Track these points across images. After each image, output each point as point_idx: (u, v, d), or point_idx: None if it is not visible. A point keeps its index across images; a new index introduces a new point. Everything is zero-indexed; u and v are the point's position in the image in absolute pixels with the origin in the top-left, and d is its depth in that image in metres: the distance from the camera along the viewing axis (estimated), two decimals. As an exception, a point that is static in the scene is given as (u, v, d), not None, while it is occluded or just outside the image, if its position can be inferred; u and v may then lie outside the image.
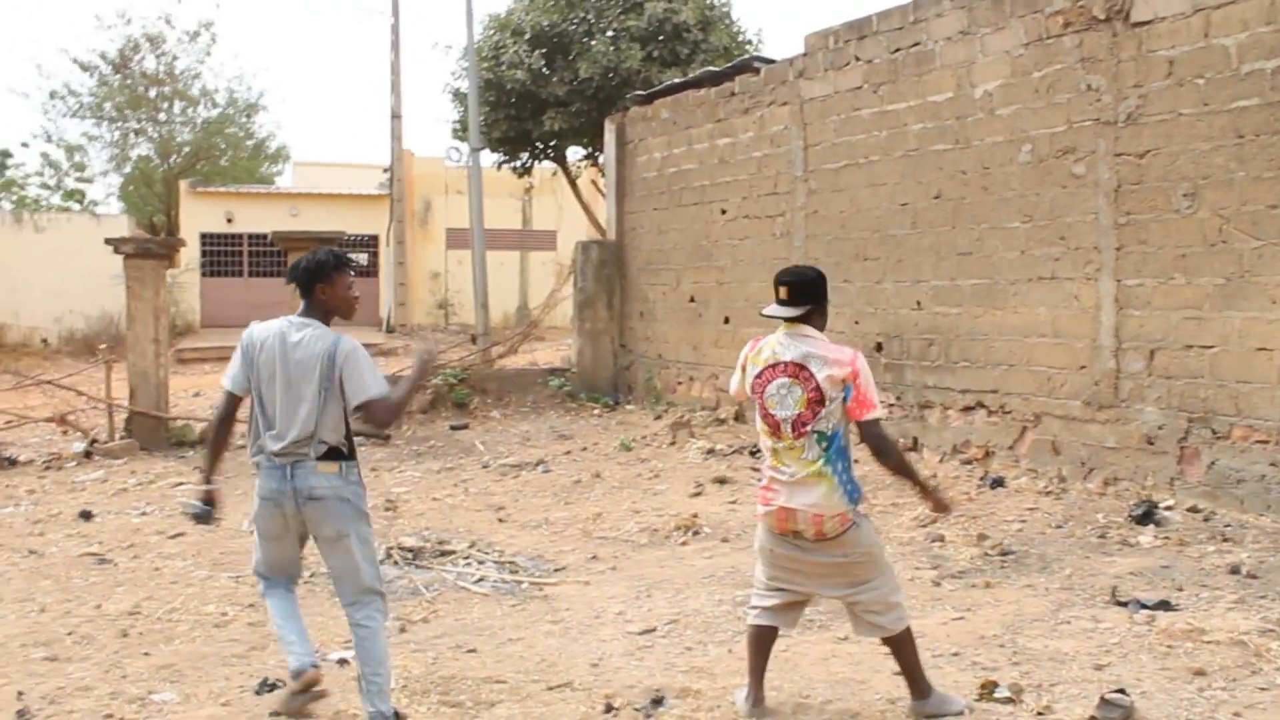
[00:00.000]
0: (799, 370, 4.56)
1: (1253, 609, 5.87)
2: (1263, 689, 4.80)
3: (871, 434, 4.60)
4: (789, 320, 4.67)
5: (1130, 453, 8.80)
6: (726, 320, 13.66)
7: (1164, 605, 5.98)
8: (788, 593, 4.76)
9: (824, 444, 4.55)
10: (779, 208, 12.70)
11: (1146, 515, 7.88)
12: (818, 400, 4.52)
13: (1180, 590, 6.33)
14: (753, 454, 11.38)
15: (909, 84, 10.89)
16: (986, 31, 10.08)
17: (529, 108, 19.39)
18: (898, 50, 11.01)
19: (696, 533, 8.23)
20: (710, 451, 11.50)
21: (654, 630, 5.98)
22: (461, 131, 20.87)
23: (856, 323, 11.59)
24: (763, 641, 4.84)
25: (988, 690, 4.84)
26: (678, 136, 14.69)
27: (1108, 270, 9.00)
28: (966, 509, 8.47)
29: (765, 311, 4.75)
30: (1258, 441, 8.03)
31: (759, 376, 4.68)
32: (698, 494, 9.71)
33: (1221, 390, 8.24)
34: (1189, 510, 8.07)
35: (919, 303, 10.79)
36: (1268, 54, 7.95)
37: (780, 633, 4.91)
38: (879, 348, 11.32)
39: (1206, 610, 5.89)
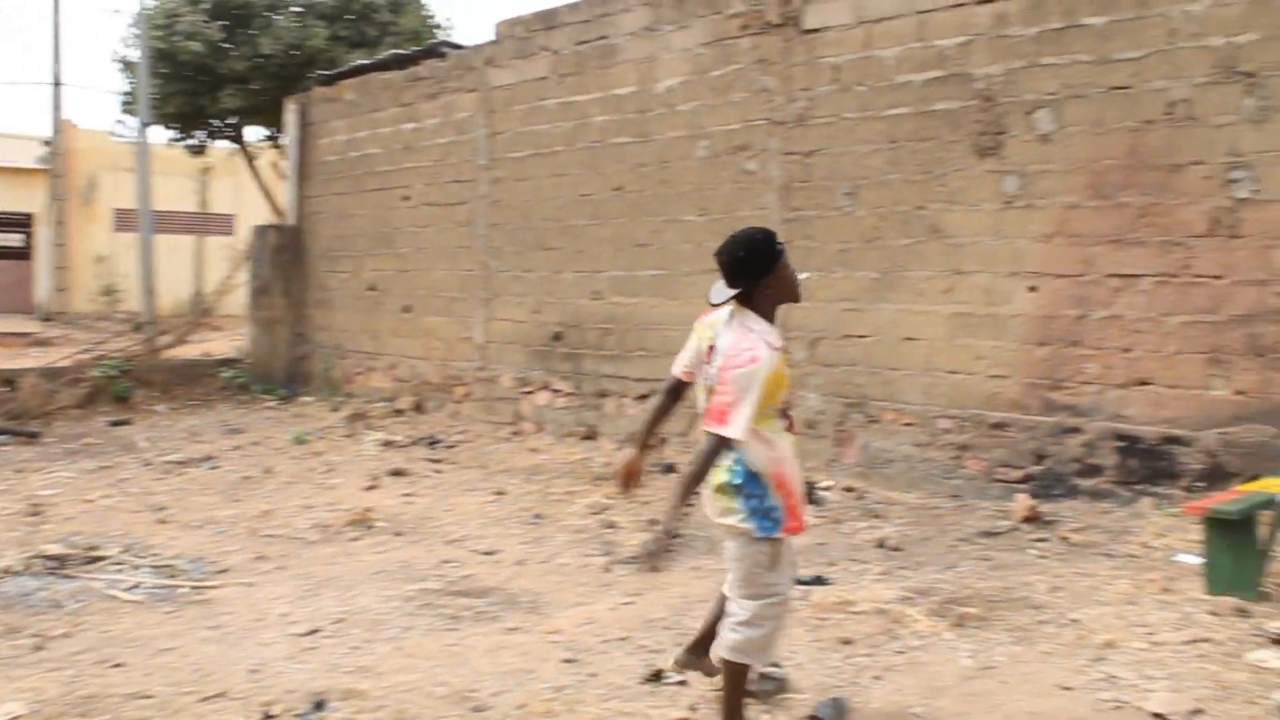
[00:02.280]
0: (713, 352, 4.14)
1: (895, 579, 6.27)
2: (900, 653, 5.12)
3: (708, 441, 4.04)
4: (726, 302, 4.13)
5: (794, 437, 9.24)
6: (407, 309, 13.39)
7: (818, 580, 6.29)
8: None
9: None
10: (462, 195, 12.56)
11: (807, 496, 8.27)
12: (720, 387, 4.03)
13: (833, 565, 6.68)
14: (430, 445, 11.22)
15: (594, 76, 11.01)
16: (669, 29, 10.32)
17: (205, 82, 18.36)
18: (584, 42, 11.11)
19: (370, 527, 8.00)
20: (388, 443, 11.25)
21: (319, 630, 5.73)
22: (131, 104, 19.48)
23: (537, 312, 11.63)
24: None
25: (656, 678, 4.89)
26: (362, 119, 14.27)
27: (774, 263, 9.41)
28: (639, 495, 8.64)
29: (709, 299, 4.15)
30: (905, 424, 8.62)
31: (705, 354, 4.22)
32: (373, 487, 9.45)
33: (875, 377, 8.79)
34: (845, 490, 8.57)
35: (597, 293, 10.95)
36: (918, 67, 8.53)
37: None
38: (558, 337, 11.40)
39: (855, 583, 6.24)
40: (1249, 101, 7.04)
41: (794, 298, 4.25)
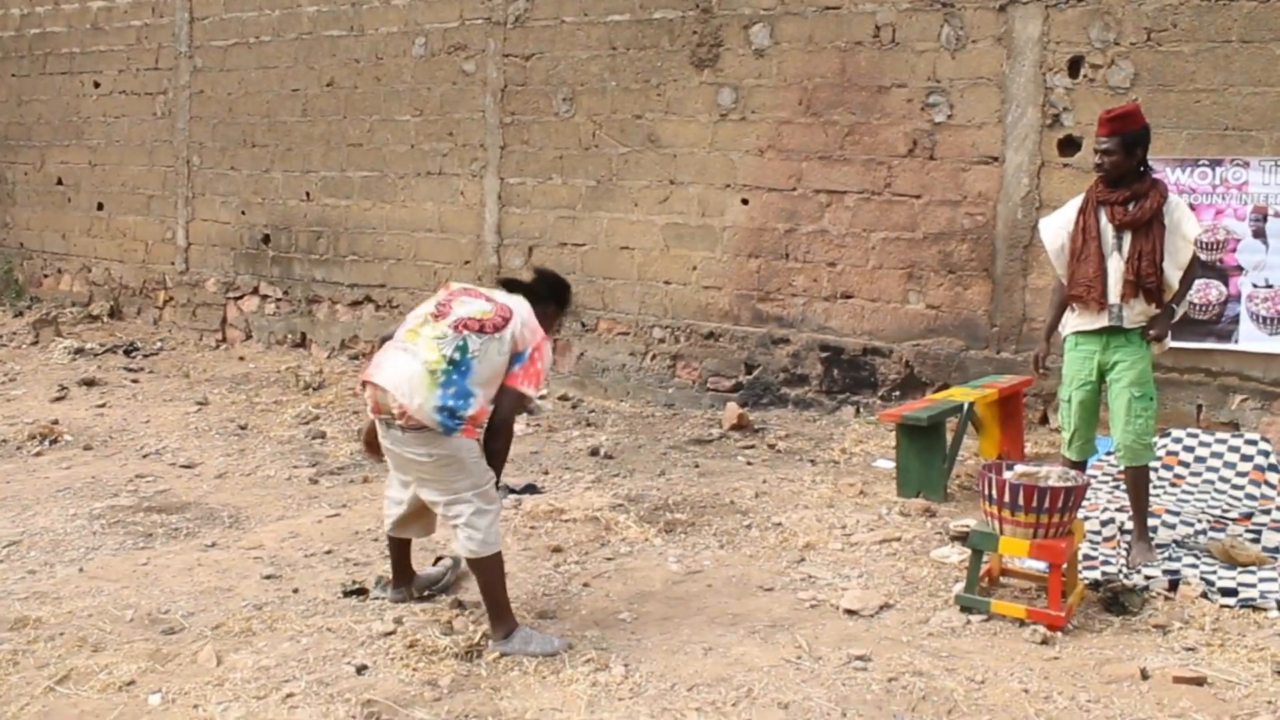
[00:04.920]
0: (501, 310, 4.31)
1: (607, 487, 6.34)
2: (609, 559, 5.18)
3: (507, 404, 4.28)
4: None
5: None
6: (100, 207, 12.38)
7: (530, 489, 6.28)
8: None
9: (459, 354, 4.14)
10: (161, 84, 11.65)
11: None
12: (496, 328, 4.22)
13: (546, 474, 6.68)
14: (127, 353, 10.51)
15: (302, -37, 10.37)
16: (382, -84, 9.82)
17: None
18: (290, -75, 10.43)
19: (55, 441, 7.40)
20: (79, 351, 10.44)
21: (-10, 554, 5.26)
22: None
23: (243, 213, 11.00)
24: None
25: (361, 593, 4.74)
26: (42, -6, 12.94)
27: (492, 168, 9.24)
28: (350, 404, 8.39)
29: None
30: (620, 333, 8.70)
31: (454, 291, 4.43)
32: (61, 398, 8.76)
33: (591, 286, 8.81)
34: (560, 399, 8.59)
35: (308, 194, 10.45)
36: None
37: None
38: (266, 239, 10.84)
39: (567, 491, 6.27)
40: (946, 30, 7.36)
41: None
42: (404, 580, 4.67)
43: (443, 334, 4.16)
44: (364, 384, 4.28)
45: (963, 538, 5.09)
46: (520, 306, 4.33)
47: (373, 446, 4.52)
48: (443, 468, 4.15)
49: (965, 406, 6.23)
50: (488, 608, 4.23)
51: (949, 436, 6.21)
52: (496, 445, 4.29)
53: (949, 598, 4.60)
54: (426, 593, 4.70)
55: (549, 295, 4.55)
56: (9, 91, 13.37)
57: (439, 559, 4.96)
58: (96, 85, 12.34)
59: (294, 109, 10.51)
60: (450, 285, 4.50)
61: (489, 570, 4.20)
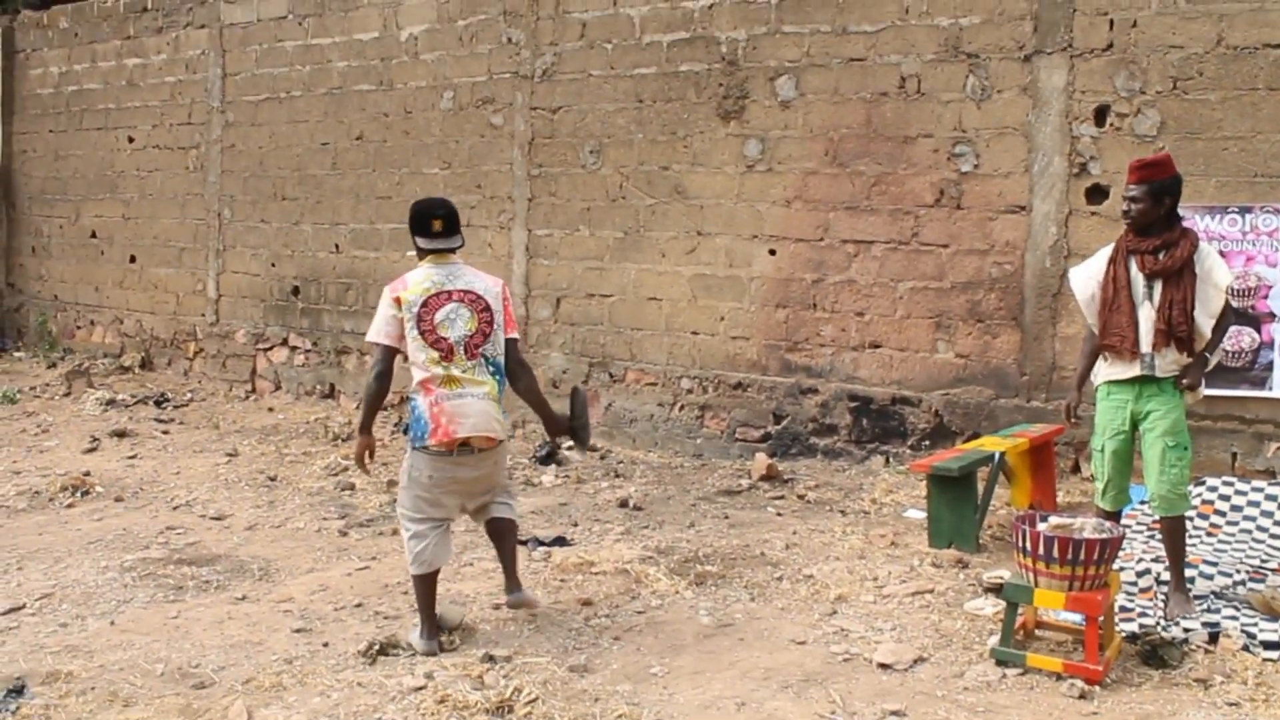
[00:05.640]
0: (462, 296, 4.79)
1: (636, 539, 6.31)
2: (640, 612, 5.15)
3: (515, 351, 4.97)
4: (444, 251, 4.86)
5: (540, 396, 9.19)
6: (133, 259, 12.54)
7: (560, 541, 6.26)
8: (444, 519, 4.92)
9: (491, 366, 4.83)
10: (194, 139, 11.83)
11: (549, 456, 8.27)
12: (488, 323, 4.81)
13: (575, 526, 6.67)
14: (158, 404, 10.58)
15: (335, 19, 10.55)
16: (412, -27, 9.98)
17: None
18: (322, -18, 10.62)
19: (87, 493, 7.45)
20: (111, 402, 10.52)
21: (22, 608, 5.26)
22: None
23: (273, 265, 11.12)
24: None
25: (384, 651, 4.71)
26: (80, 51, 13.20)
27: (520, 220, 9.31)
28: (379, 456, 8.40)
29: (429, 246, 4.84)
30: (648, 384, 8.70)
31: (424, 306, 4.74)
32: (93, 449, 8.82)
33: (619, 336, 8.83)
34: (588, 450, 8.56)
35: (337, 246, 10.55)
36: (665, 28, 8.55)
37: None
38: (296, 291, 10.94)
39: (597, 543, 6.25)
40: (971, 80, 7.39)
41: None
42: (513, 579, 5.09)
43: (471, 366, 4.76)
44: (449, 444, 4.72)
45: (997, 589, 5.04)
46: (474, 276, 4.90)
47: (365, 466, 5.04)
48: (503, 461, 5.02)
49: (996, 456, 6.19)
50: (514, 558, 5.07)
51: (980, 486, 6.16)
52: (530, 380, 5.08)
53: (984, 651, 4.54)
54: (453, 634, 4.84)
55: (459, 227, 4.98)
56: (46, 147, 13.61)
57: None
58: (131, 140, 12.54)
59: (324, 162, 10.63)
60: (401, 298, 4.77)
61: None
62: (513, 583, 5.04)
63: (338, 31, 10.52)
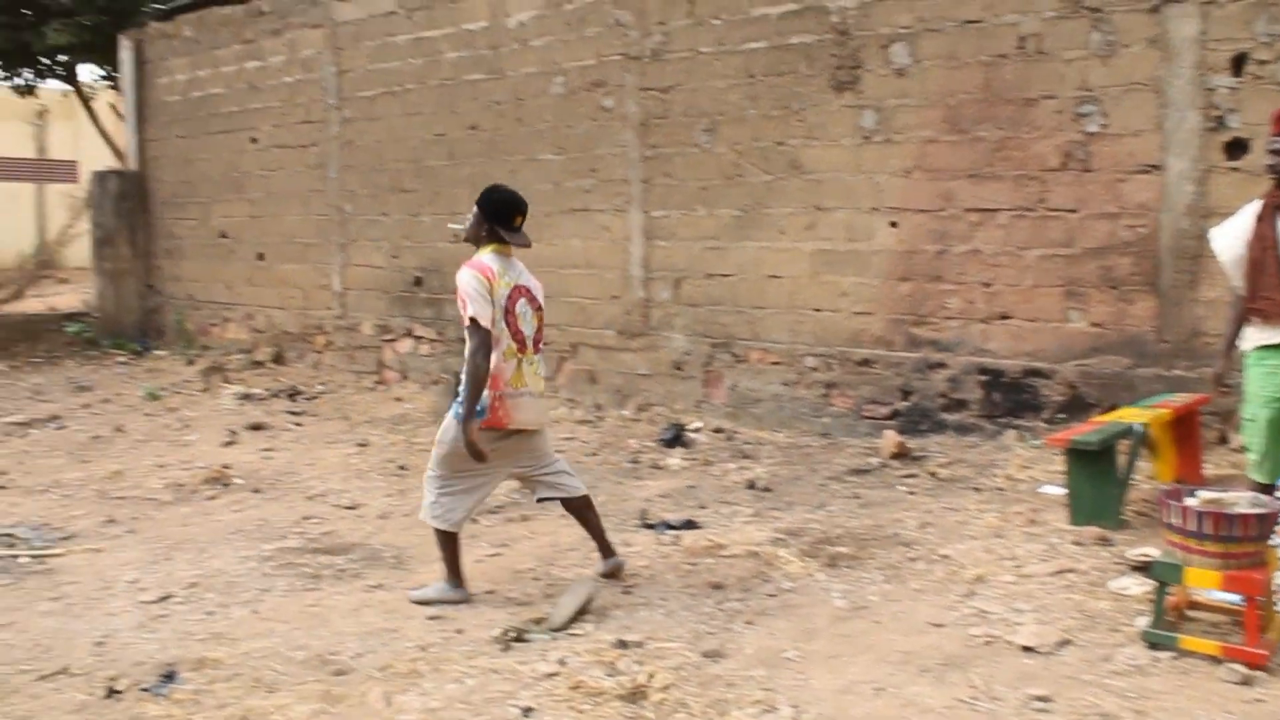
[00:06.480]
0: (527, 292, 5.04)
1: (766, 521, 6.25)
2: (771, 595, 5.08)
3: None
4: (507, 246, 5.08)
5: (661, 379, 9.18)
6: (261, 257, 12.88)
7: (689, 524, 6.23)
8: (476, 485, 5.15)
9: (543, 363, 5.17)
10: (313, 136, 12.08)
11: (676, 438, 8.24)
12: (542, 321, 5.12)
13: (704, 508, 6.63)
14: (290, 397, 10.85)
15: (444, 11, 10.64)
16: (519, -40, 10.01)
17: (28, 15, 17.16)
18: (432, -25, 10.72)
19: (227, 485, 7.67)
20: (246, 397, 10.83)
21: (171, 597, 5.44)
22: (-57, 40, 18.13)
23: (395, 257, 11.30)
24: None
25: (518, 639, 4.74)
26: (203, 57, 13.59)
27: (636, 202, 9.28)
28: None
29: (512, 239, 5.04)
30: (772, 363, 8.60)
31: (510, 297, 4.94)
32: (231, 443, 9.08)
33: (740, 316, 8.75)
34: (714, 431, 8.53)
35: (456, 235, 10.65)
36: (773, 1, 8.40)
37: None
38: (418, 282, 11.10)
39: (726, 525, 6.20)
40: (1095, 36, 7.11)
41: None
42: (605, 548, 5.41)
43: (536, 360, 5.08)
44: (500, 428, 4.99)
45: (1144, 568, 4.84)
46: (528, 273, 5.15)
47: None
48: (546, 434, 5.31)
49: (1138, 428, 5.95)
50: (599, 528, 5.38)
51: (1121, 460, 5.94)
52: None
53: (1133, 633, 4.37)
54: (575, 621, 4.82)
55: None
56: (176, 152, 14.05)
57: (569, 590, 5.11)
58: (254, 141, 12.87)
59: (439, 153, 10.75)
60: (495, 284, 4.91)
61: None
62: (607, 550, 5.38)
63: (447, 23, 10.61)
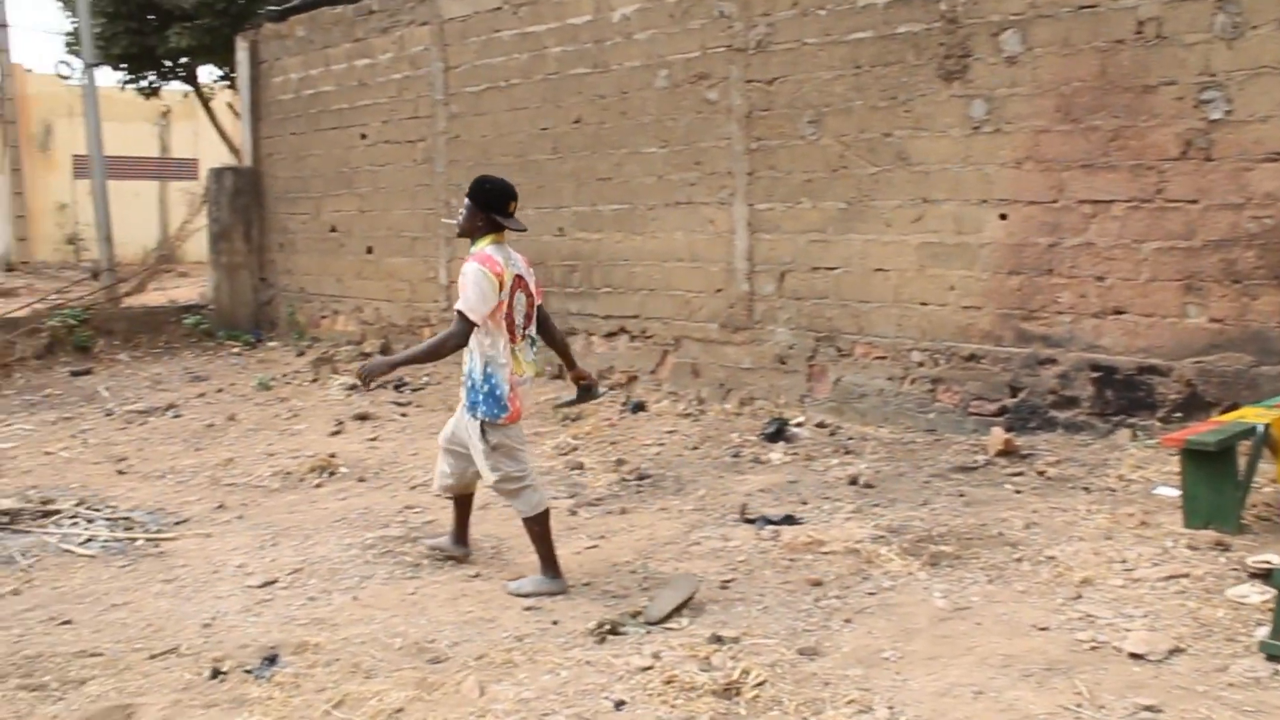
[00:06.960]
0: (523, 283, 5.18)
1: (867, 517, 6.14)
2: (871, 593, 4.99)
3: (544, 311, 5.47)
4: (503, 234, 5.20)
5: (765, 372, 9.09)
6: (370, 250, 13.11)
7: (789, 520, 6.16)
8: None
9: (534, 345, 5.33)
10: (420, 132, 12.24)
11: (778, 433, 8.15)
12: (533, 305, 5.24)
13: (805, 504, 6.54)
14: (397, 388, 11.02)
15: (549, 6, 10.68)
16: (623, -45, 10.00)
17: (152, 21, 17.75)
18: (537, -30, 10.77)
19: (333, 473, 7.83)
20: (353, 388, 11.02)
21: (275, 582, 5.57)
22: (75, 45, 18.84)
23: (502, 251, 11.37)
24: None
25: (613, 631, 4.72)
26: (315, 56, 13.86)
27: (740, 195, 9.20)
28: (607, 435, 8.49)
29: (509, 225, 5.14)
30: (877, 358, 8.46)
31: (511, 288, 5.10)
32: (337, 432, 9.26)
33: (845, 310, 8.62)
34: (817, 426, 8.42)
35: (561, 229, 10.70)
36: (880, -14, 8.26)
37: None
38: (524, 276, 11.16)
39: (827, 522, 6.11)
40: (1220, 18, 6.83)
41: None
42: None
43: (524, 347, 5.21)
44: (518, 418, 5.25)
45: (1265, 575, 4.63)
46: (520, 258, 5.25)
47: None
48: None
49: (1260, 429, 5.69)
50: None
51: (1241, 462, 5.69)
52: (555, 329, 5.66)
53: (1251, 644, 4.17)
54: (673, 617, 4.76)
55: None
56: (289, 149, 14.38)
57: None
58: (363, 137, 13.09)
59: (544, 148, 10.80)
60: (503, 278, 5.06)
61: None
62: (464, 539, 5.77)
63: (551, 18, 10.65)
